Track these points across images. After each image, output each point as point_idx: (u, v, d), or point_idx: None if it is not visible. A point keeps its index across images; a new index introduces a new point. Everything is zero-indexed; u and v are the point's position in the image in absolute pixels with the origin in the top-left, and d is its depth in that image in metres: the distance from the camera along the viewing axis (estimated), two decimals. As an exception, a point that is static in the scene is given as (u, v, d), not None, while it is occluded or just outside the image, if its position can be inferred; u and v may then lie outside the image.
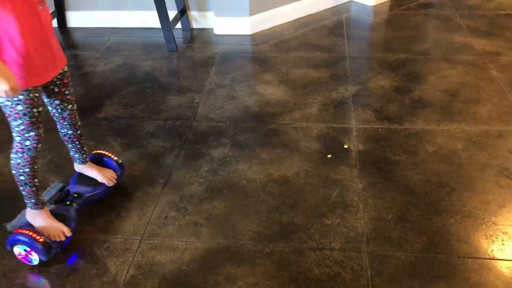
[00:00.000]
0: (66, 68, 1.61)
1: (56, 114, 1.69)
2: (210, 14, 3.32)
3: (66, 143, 1.80)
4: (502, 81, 2.59)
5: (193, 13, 3.36)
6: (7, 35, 1.35)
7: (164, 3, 2.94)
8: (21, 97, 1.43)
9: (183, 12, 3.27)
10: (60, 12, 3.41)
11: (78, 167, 1.87)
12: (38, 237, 1.56)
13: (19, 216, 1.71)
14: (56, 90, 1.61)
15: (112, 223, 1.77)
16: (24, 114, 1.47)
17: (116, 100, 2.56)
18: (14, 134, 1.52)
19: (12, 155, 1.55)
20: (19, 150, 1.53)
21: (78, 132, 1.77)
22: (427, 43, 3.04)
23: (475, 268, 1.54)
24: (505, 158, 2.02)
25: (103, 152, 1.93)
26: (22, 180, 1.57)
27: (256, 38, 3.20)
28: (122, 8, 3.37)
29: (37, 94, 1.49)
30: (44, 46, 1.46)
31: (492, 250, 1.61)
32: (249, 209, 1.81)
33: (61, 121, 1.72)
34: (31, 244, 1.55)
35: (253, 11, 3.21)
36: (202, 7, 3.33)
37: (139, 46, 3.16)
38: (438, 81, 2.61)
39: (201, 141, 2.20)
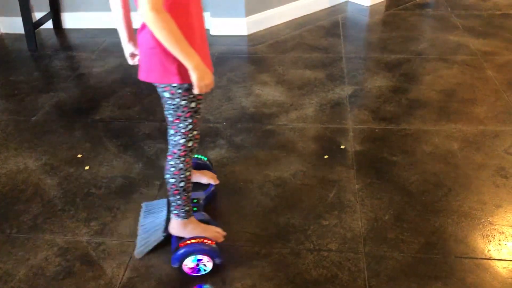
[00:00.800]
0: None
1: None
2: (206, 15, 3.31)
3: None
4: (498, 81, 2.59)
5: (189, 14, 3.35)
6: (194, 28, 1.32)
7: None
8: (195, 92, 1.36)
9: (179, 13, 3.26)
10: (55, 14, 3.40)
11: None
12: (209, 242, 1.50)
13: (140, 239, 1.63)
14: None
15: (108, 225, 1.76)
16: (195, 112, 1.41)
17: (112, 102, 2.55)
18: (176, 138, 1.44)
19: (171, 162, 1.47)
20: (182, 153, 1.45)
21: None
22: (423, 43, 3.05)
23: (472, 268, 1.54)
24: (502, 158, 2.02)
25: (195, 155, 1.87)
26: (181, 187, 1.49)
27: (253, 39, 3.20)
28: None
29: None
30: (205, 39, 1.41)
31: (489, 250, 1.61)
32: (246, 210, 1.81)
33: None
34: (208, 250, 1.49)
35: (249, 11, 3.20)
36: (198, 8, 3.32)
37: (135, 47, 3.14)
38: (435, 81, 2.62)
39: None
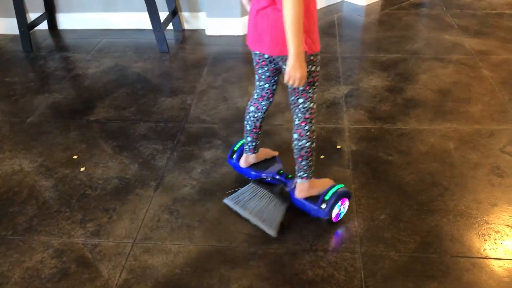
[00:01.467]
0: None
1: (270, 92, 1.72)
2: (201, 15, 3.31)
3: (253, 132, 1.81)
4: (493, 80, 2.60)
5: (185, 14, 3.35)
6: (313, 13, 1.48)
7: (155, 4, 2.93)
8: (318, 57, 1.50)
9: (174, 13, 3.26)
10: (50, 14, 3.39)
11: (252, 158, 1.88)
12: (340, 186, 1.69)
13: (266, 223, 1.69)
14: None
15: (104, 227, 1.75)
16: (319, 76, 1.55)
17: (108, 102, 2.54)
18: (306, 104, 1.58)
19: (306, 127, 1.60)
20: (313, 116, 1.60)
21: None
22: (418, 43, 3.05)
23: (468, 268, 1.55)
24: (497, 157, 2.03)
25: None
26: (313, 147, 1.63)
27: (248, 39, 3.19)
28: (113, 9, 3.36)
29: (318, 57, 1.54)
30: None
31: (484, 249, 1.61)
32: (242, 211, 1.80)
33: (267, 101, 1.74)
34: (346, 193, 1.69)
35: (245, 12, 3.20)
36: (194, 8, 3.31)
37: (130, 47, 3.14)
38: (430, 81, 2.62)
39: (194, 143, 2.19)
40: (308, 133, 1.62)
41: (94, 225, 1.76)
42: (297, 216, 1.76)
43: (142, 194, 1.90)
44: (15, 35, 3.26)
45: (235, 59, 2.96)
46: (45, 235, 1.73)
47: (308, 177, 1.69)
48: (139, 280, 1.55)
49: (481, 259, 1.57)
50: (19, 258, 1.64)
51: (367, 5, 3.63)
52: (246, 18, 3.22)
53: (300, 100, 1.58)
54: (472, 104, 2.40)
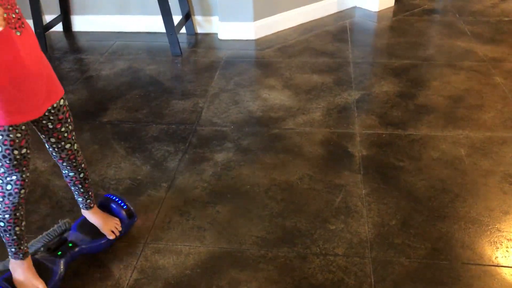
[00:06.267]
0: (62, 102, 1.41)
1: (54, 154, 1.51)
2: (214, 19, 3.34)
3: (68, 185, 1.62)
4: (506, 87, 2.58)
5: (198, 18, 3.37)
6: None
7: (169, 7, 2.96)
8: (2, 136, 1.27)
9: (187, 17, 3.29)
10: (65, 16, 3.44)
11: (84, 212, 1.68)
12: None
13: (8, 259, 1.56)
14: (50, 126, 1.41)
15: (116, 227, 1.77)
16: (4, 156, 1.30)
17: (120, 104, 2.57)
18: None
19: None
20: (0, 194, 1.37)
21: (81, 175, 1.58)
22: (430, 49, 3.05)
23: (479, 275, 1.54)
24: (509, 164, 2.02)
25: (113, 197, 1.75)
26: (1, 226, 1.41)
27: (260, 43, 3.21)
28: (127, 12, 3.39)
29: (18, 135, 1.30)
30: (24, 78, 1.26)
31: (496, 257, 1.60)
32: (253, 213, 1.81)
33: (60, 161, 1.53)
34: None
35: (257, 16, 3.22)
36: (207, 12, 3.34)
37: (143, 50, 3.17)
38: (442, 87, 2.61)
39: (205, 146, 2.21)
40: None
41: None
42: (304, 220, 1.77)
43: (154, 195, 1.92)
44: (31, 37, 3.30)
45: (247, 63, 2.98)
46: (58, 234, 1.75)
47: (9, 254, 1.47)
48: (149, 280, 1.56)
49: (493, 267, 1.57)
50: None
51: (379, 11, 3.63)
52: (258, 22, 3.24)
53: None
54: (484, 111, 2.39)
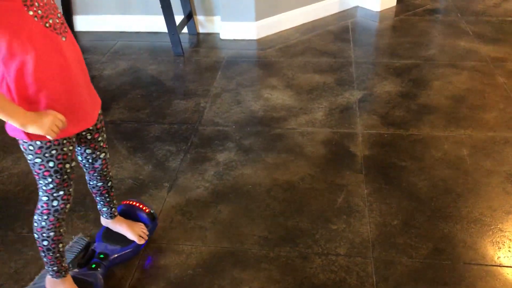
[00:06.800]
0: (100, 110, 1.39)
1: (87, 165, 1.47)
2: (216, 18, 3.34)
3: (94, 195, 1.59)
4: (508, 87, 2.58)
5: (200, 18, 3.38)
6: (36, 80, 1.14)
7: (171, 7, 2.96)
8: (53, 152, 1.23)
9: (189, 17, 3.29)
10: (67, 16, 3.44)
11: (105, 222, 1.66)
12: None
13: (36, 278, 1.55)
14: (89, 137, 1.38)
15: (118, 227, 1.77)
16: (56, 172, 1.26)
17: (122, 104, 2.57)
18: (40, 193, 1.32)
19: (35, 217, 1.35)
20: (45, 211, 1.33)
21: (109, 184, 1.56)
22: (433, 49, 3.04)
23: (481, 275, 1.53)
24: (512, 164, 2.02)
25: (133, 202, 1.72)
26: (44, 245, 1.37)
27: (262, 43, 3.21)
28: (129, 12, 3.40)
29: (71, 147, 1.27)
30: (73, 86, 1.23)
31: (498, 257, 1.60)
32: (254, 213, 1.81)
33: (91, 172, 1.50)
34: None
35: (259, 16, 3.22)
36: (209, 12, 3.34)
37: (145, 50, 3.18)
38: (444, 87, 2.61)
39: (207, 145, 2.21)
40: (35, 224, 1.35)
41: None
42: (306, 220, 1.77)
43: (156, 195, 1.92)
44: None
45: (249, 63, 2.98)
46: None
47: (49, 274, 1.44)
48: (151, 279, 1.56)
49: (495, 267, 1.56)
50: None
51: (381, 10, 3.62)
52: (260, 22, 3.24)
53: (38, 186, 1.32)
54: (487, 111, 2.39)
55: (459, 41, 3.12)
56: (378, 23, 3.48)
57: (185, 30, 3.34)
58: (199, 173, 2.03)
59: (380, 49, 3.12)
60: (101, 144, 1.44)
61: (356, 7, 3.70)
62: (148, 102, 2.59)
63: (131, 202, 1.72)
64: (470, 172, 1.98)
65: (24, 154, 1.26)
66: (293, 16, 3.39)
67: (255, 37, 3.25)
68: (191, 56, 3.10)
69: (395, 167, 2.02)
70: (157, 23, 3.32)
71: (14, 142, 2.28)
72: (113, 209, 1.63)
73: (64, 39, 1.18)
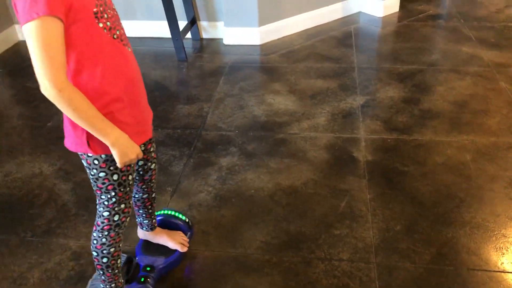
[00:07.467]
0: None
1: (137, 177, 1.44)
2: (220, 24, 3.35)
3: (136, 208, 1.55)
4: (511, 92, 2.58)
5: (203, 23, 3.39)
6: (104, 92, 1.13)
7: (175, 13, 2.97)
8: (110, 163, 1.20)
9: (193, 22, 3.31)
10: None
11: (144, 234, 1.62)
12: None
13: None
14: (143, 148, 1.36)
15: (121, 231, 1.77)
16: (119, 184, 1.24)
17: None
18: (100, 209, 1.29)
19: (94, 234, 1.33)
20: (106, 227, 1.30)
21: (153, 195, 1.54)
22: (435, 54, 3.05)
23: (484, 281, 1.53)
24: (515, 170, 2.01)
25: (168, 212, 1.69)
26: (104, 263, 1.35)
27: (265, 48, 3.22)
28: (133, 17, 3.42)
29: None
30: (137, 96, 1.23)
31: (502, 263, 1.59)
32: (257, 218, 1.81)
33: (140, 184, 1.47)
34: None
35: (262, 21, 3.23)
36: (212, 18, 3.36)
37: (149, 55, 3.19)
38: (447, 92, 2.61)
39: (210, 150, 2.21)
40: (94, 242, 1.33)
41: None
42: (309, 225, 1.77)
43: (159, 199, 1.92)
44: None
45: (252, 68, 2.99)
46: (63, 237, 1.76)
47: None
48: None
49: (499, 273, 1.56)
50: (37, 259, 1.67)
51: (384, 16, 3.63)
52: (263, 27, 3.25)
53: (97, 201, 1.30)
54: (490, 116, 2.39)
55: (461, 46, 3.13)
56: (381, 28, 3.49)
57: (188, 35, 3.35)
58: (202, 177, 2.04)
59: (383, 54, 3.13)
60: (152, 154, 1.43)
61: (359, 13, 3.71)
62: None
63: (165, 211, 1.70)
64: (473, 178, 1.97)
65: (87, 169, 1.24)
66: (296, 21, 3.40)
67: (258, 43, 3.26)
68: (194, 61, 3.11)
69: (398, 172, 2.02)
70: (161, 29, 3.34)
71: (18, 146, 2.30)
72: (154, 220, 1.60)
73: (129, 49, 1.20)
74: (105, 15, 1.11)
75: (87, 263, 1.65)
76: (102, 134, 1.11)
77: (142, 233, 1.63)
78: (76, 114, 1.05)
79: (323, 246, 1.68)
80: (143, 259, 1.58)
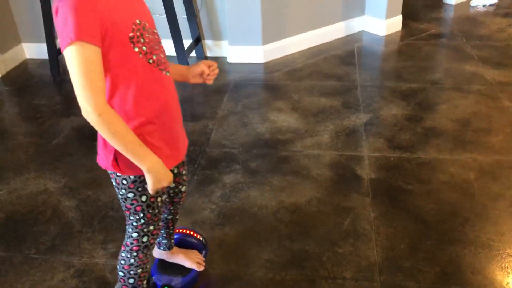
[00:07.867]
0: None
1: (167, 199, 1.45)
2: (224, 43, 3.39)
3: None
4: (515, 111, 2.59)
5: (208, 42, 3.43)
6: (136, 115, 1.13)
7: (180, 32, 3.02)
8: (146, 186, 1.18)
9: (197, 41, 3.35)
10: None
11: (159, 253, 1.62)
12: None
13: None
14: (175, 171, 1.37)
15: (124, 248, 1.77)
16: (148, 206, 1.24)
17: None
18: (129, 230, 1.30)
19: (123, 254, 1.33)
20: (135, 248, 1.30)
21: (177, 216, 1.55)
22: (438, 73, 3.07)
23: (490, 301, 1.52)
24: (519, 188, 2.01)
25: (183, 230, 1.69)
26: (130, 283, 1.35)
27: (269, 67, 3.25)
28: (138, 36, 3.46)
29: None
30: (171, 121, 1.22)
31: (507, 283, 1.58)
32: (261, 236, 1.81)
33: (169, 206, 1.48)
34: None
35: (266, 40, 3.27)
36: (217, 36, 3.40)
37: (154, 73, 3.22)
38: (450, 111, 2.62)
39: (214, 167, 2.22)
40: (122, 262, 1.34)
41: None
42: (313, 243, 1.76)
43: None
44: (43, 60, 3.37)
45: (256, 86, 3.01)
46: (67, 255, 1.76)
47: None
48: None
49: (504, 292, 1.55)
50: (41, 276, 1.67)
51: (386, 35, 3.67)
52: (267, 46, 3.28)
53: (127, 223, 1.31)
54: (493, 134, 2.39)
55: (464, 65, 3.15)
56: (384, 47, 3.52)
57: (193, 53, 3.39)
58: (206, 195, 2.04)
59: (386, 72, 3.15)
60: (184, 177, 1.43)
61: (362, 32, 3.75)
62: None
63: (182, 230, 1.69)
64: (477, 196, 1.97)
65: (116, 188, 1.24)
66: (299, 40, 3.44)
67: (262, 61, 3.30)
68: (198, 79, 3.14)
69: (402, 190, 2.02)
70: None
71: (24, 163, 2.32)
72: (172, 240, 1.60)
73: (167, 74, 1.20)
74: (142, 40, 1.10)
75: (90, 280, 1.64)
76: (139, 160, 1.10)
77: (158, 253, 1.62)
78: (115, 138, 1.06)
79: (326, 264, 1.67)
80: (160, 279, 1.57)
